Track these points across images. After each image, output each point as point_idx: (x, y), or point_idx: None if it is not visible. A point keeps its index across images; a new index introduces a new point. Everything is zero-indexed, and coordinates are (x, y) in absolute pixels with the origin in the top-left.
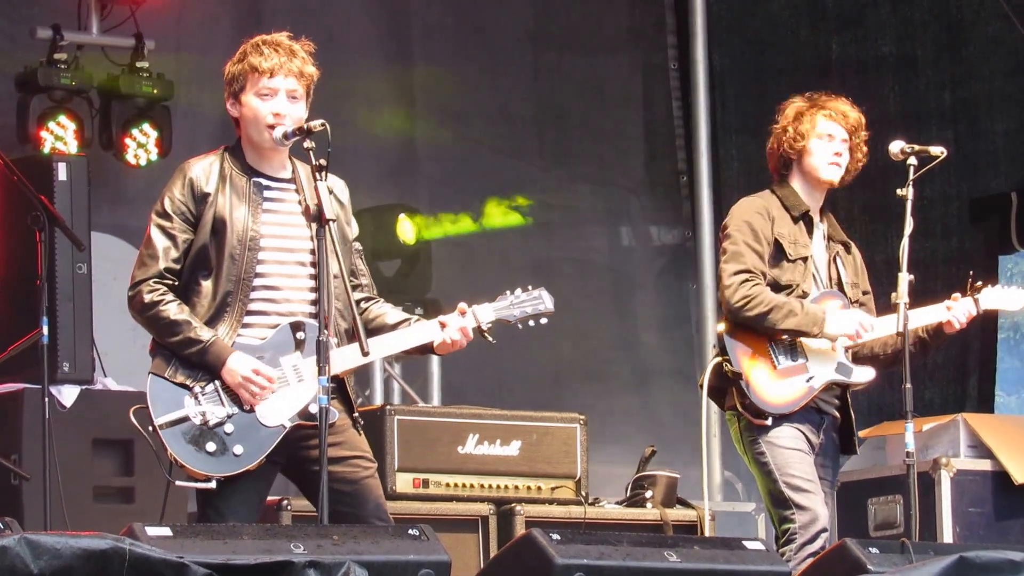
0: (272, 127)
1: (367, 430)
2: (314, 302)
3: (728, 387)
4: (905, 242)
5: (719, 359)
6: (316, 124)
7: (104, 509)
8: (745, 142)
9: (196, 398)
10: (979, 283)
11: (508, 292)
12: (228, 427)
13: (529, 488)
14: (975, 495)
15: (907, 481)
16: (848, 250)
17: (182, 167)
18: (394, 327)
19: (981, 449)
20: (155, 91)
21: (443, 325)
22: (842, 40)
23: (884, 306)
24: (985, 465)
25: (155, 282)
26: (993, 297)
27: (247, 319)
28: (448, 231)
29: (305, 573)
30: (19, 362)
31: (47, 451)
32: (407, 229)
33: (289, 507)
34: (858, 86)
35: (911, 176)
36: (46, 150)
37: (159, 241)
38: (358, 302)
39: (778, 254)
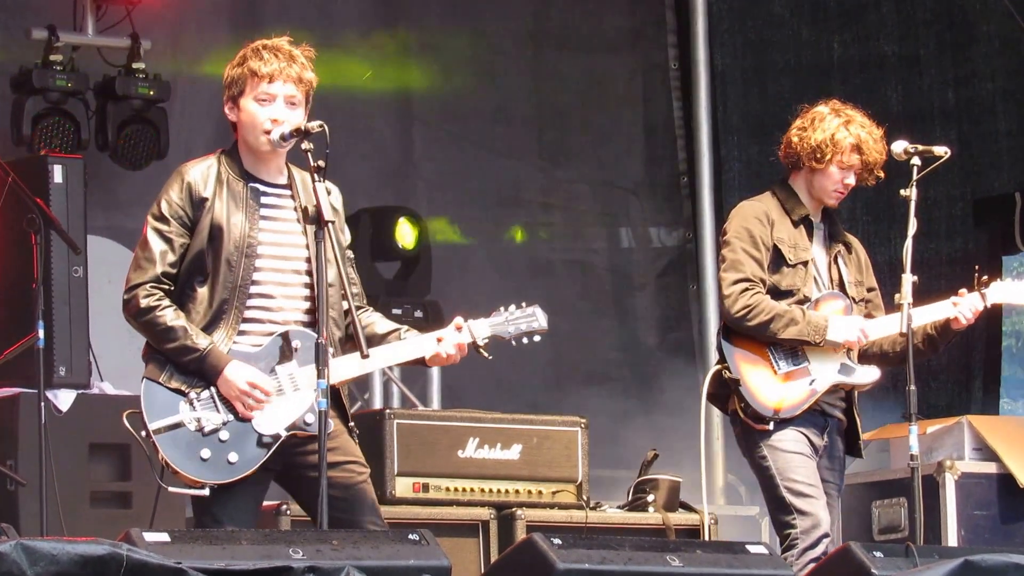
0: (269, 132)
1: (367, 434)
2: (308, 311)
3: (729, 392)
4: (909, 243)
5: (718, 367)
6: (314, 125)
7: (101, 514)
8: (746, 142)
9: (191, 404)
10: (985, 277)
11: (503, 308)
12: (223, 434)
13: (530, 492)
14: (980, 498)
15: (911, 484)
16: (850, 249)
17: (179, 170)
18: (384, 337)
19: (986, 452)
20: (151, 92)
21: (439, 340)
22: (844, 39)
23: (888, 307)
24: (990, 468)
25: (151, 286)
26: (1001, 291)
27: (242, 326)
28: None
29: None
30: (15, 366)
31: (43, 456)
32: (406, 233)
33: (288, 512)
34: (860, 85)
35: (915, 176)
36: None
37: (156, 245)
38: (345, 312)
39: (777, 259)
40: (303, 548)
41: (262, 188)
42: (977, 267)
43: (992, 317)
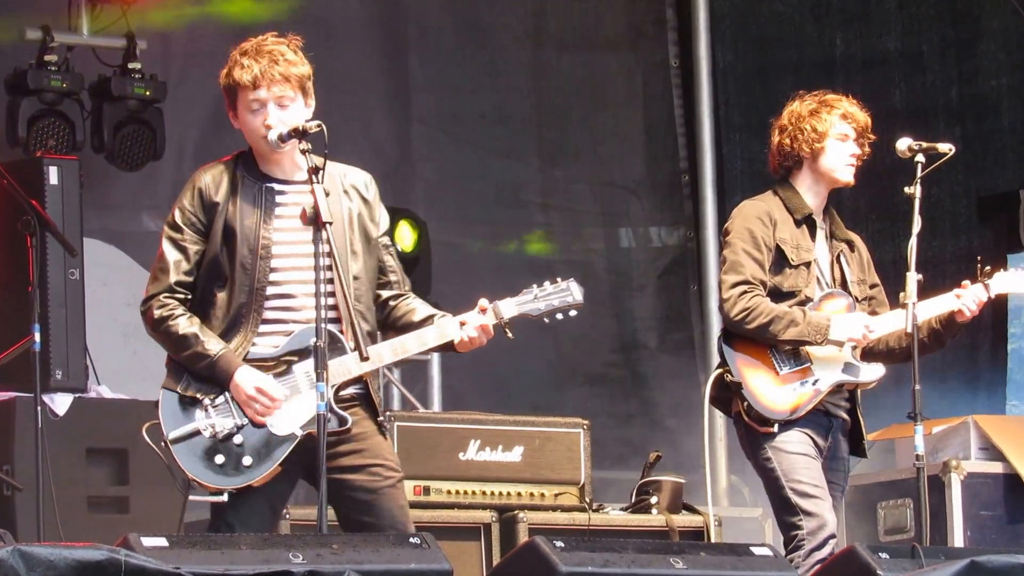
0: (267, 138)
1: None
2: (332, 307)
3: (732, 395)
4: (913, 241)
5: (720, 371)
6: (312, 125)
7: (99, 519)
8: (748, 140)
9: (206, 411)
10: (988, 268)
11: (535, 285)
12: (238, 439)
13: (532, 495)
14: (986, 498)
15: (917, 485)
16: (852, 247)
17: (192, 176)
18: (420, 324)
19: (992, 451)
20: (147, 92)
21: (463, 324)
22: (847, 36)
23: (893, 302)
24: (996, 468)
25: (165, 297)
26: (1004, 281)
27: (263, 327)
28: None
29: None
30: (10, 370)
31: (40, 461)
32: (406, 236)
33: (288, 516)
34: (864, 82)
35: (919, 174)
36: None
37: (170, 254)
38: (387, 300)
39: (780, 260)
40: (303, 552)
41: (277, 187)
42: (980, 258)
43: (998, 317)
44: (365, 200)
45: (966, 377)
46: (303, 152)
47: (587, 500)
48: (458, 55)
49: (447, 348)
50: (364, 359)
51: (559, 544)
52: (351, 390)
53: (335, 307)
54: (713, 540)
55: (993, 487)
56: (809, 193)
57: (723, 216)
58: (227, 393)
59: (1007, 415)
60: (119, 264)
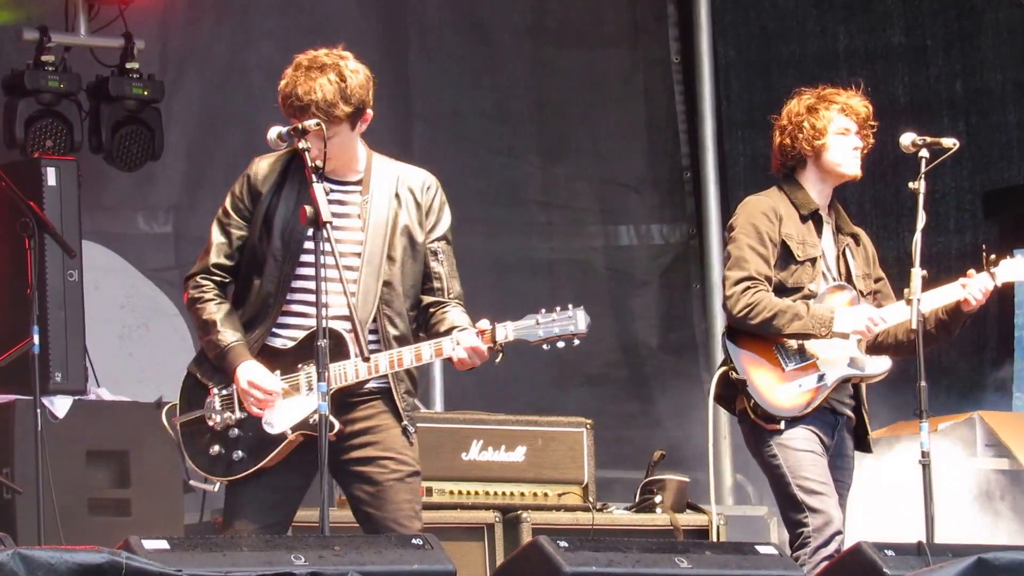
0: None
1: None
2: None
3: (737, 392)
4: (918, 237)
5: (725, 368)
6: (311, 124)
7: (100, 522)
8: (751, 136)
9: (214, 400)
10: (993, 256)
11: (542, 310)
12: (234, 432)
13: (535, 495)
14: (993, 494)
15: (923, 482)
16: (857, 241)
17: (250, 162)
18: (442, 335)
19: (998, 447)
20: (145, 92)
21: (457, 342)
22: (850, 30)
23: (898, 295)
24: (1003, 464)
25: (202, 278)
26: (1010, 269)
27: (285, 319)
28: None
29: None
30: (9, 373)
31: (40, 464)
32: None
33: None
34: (867, 77)
35: (923, 169)
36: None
37: (215, 236)
38: (427, 307)
39: (785, 255)
40: (305, 554)
41: (329, 186)
42: (985, 247)
43: (1004, 310)
44: (418, 203)
45: (973, 371)
46: (303, 151)
47: (591, 500)
48: (458, 52)
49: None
50: (365, 360)
51: (563, 544)
52: (374, 384)
53: (353, 306)
54: (718, 539)
55: (1000, 484)
56: (814, 189)
57: (726, 213)
58: (233, 385)
59: (1013, 412)
60: (113, 266)
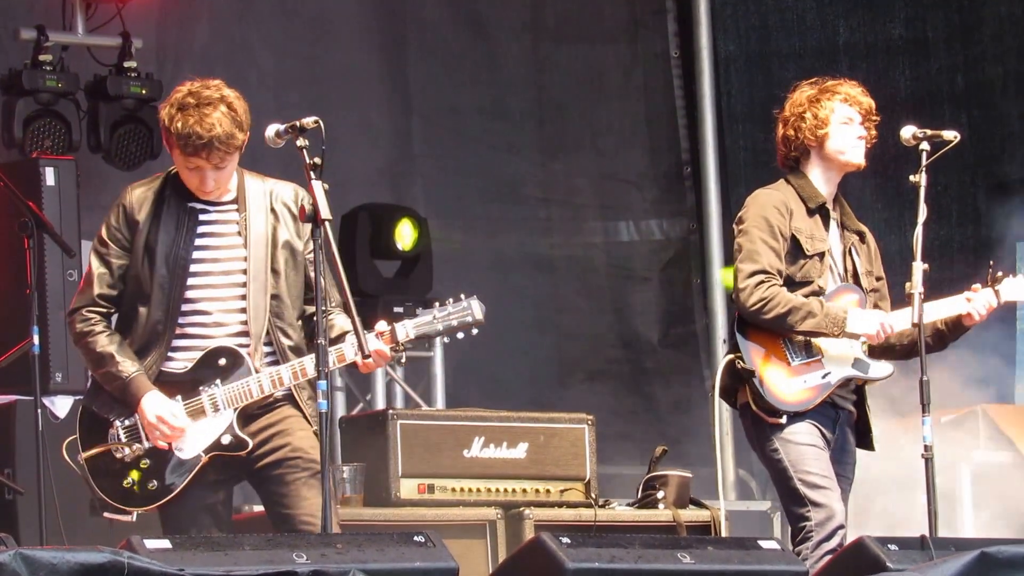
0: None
1: (370, 435)
2: (243, 322)
3: (739, 385)
4: (919, 230)
5: (731, 356)
6: (309, 122)
7: (101, 522)
8: (751, 130)
9: (117, 432)
10: (999, 273)
11: (437, 304)
12: (144, 462)
13: (537, 491)
14: (996, 487)
15: (926, 475)
16: (863, 239)
17: (122, 192)
18: (336, 342)
19: (1002, 440)
20: (143, 91)
21: (360, 347)
22: (850, 23)
23: (899, 296)
24: (1006, 457)
25: (87, 311)
26: (1014, 288)
27: (179, 342)
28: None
29: None
30: (10, 373)
31: (41, 464)
32: (406, 234)
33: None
34: (868, 70)
35: (924, 162)
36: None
37: (95, 267)
38: (311, 316)
39: (795, 250)
40: (307, 552)
41: (201, 206)
42: (992, 262)
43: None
44: (294, 216)
45: (975, 363)
46: (300, 149)
47: (593, 496)
48: (457, 49)
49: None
50: (366, 356)
51: (565, 540)
52: (277, 393)
53: (245, 322)
54: (721, 534)
55: (1003, 477)
56: (820, 181)
57: (727, 207)
58: (136, 415)
59: (1016, 404)
60: None
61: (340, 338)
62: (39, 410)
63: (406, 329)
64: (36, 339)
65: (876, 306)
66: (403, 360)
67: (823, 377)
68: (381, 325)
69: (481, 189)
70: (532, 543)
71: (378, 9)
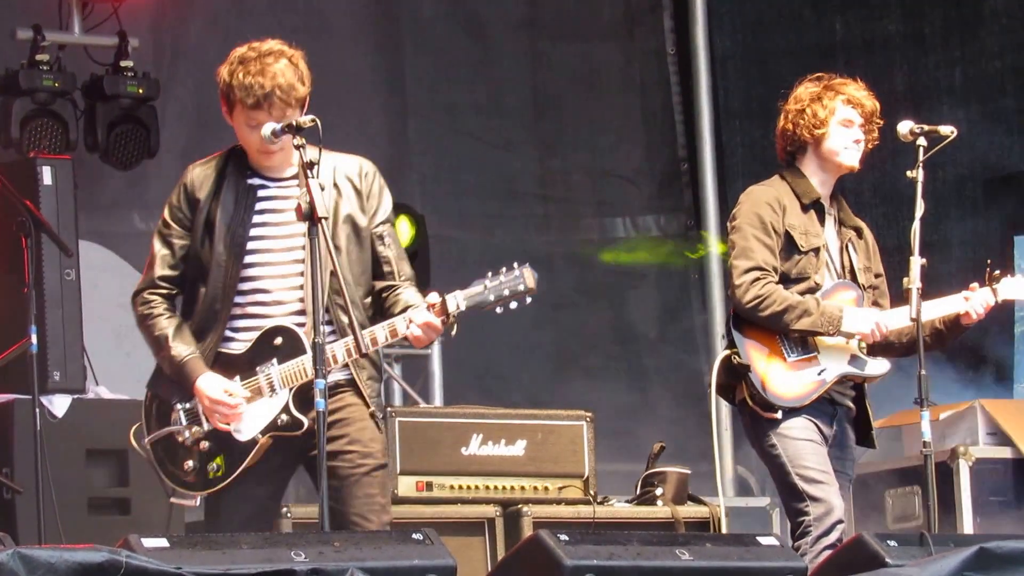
0: (263, 151)
1: None
2: (301, 300)
3: (737, 381)
4: (916, 225)
5: (727, 352)
6: (306, 120)
7: (100, 521)
8: (748, 127)
9: (179, 415)
10: (997, 272)
11: (489, 274)
12: (204, 444)
13: (536, 488)
14: (995, 484)
15: (925, 471)
16: (860, 235)
17: (185, 171)
18: (396, 316)
19: (1000, 436)
20: (140, 90)
21: (410, 321)
22: (847, 19)
23: (897, 291)
24: (1005, 452)
25: (148, 293)
26: (1012, 287)
27: (239, 323)
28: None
29: None
30: (8, 373)
31: (39, 463)
32: (403, 232)
33: (289, 515)
34: (865, 66)
35: (921, 157)
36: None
37: (157, 249)
38: (380, 291)
39: (789, 246)
40: (305, 550)
41: (262, 182)
42: (990, 261)
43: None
44: (357, 190)
45: (973, 360)
46: (297, 148)
47: (591, 493)
48: (453, 46)
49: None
50: (361, 354)
51: (564, 537)
52: (338, 376)
53: (303, 299)
54: (720, 531)
55: (1002, 472)
56: (815, 178)
57: (724, 204)
58: (195, 398)
59: (1014, 399)
60: (110, 265)
61: (403, 312)
62: (37, 409)
63: (457, 300)
64: (34, 338)
65: (875, 303)
66: (454, 332)
67: (819, 373)
68: (432, 297)
69: (478, 186)
70: (530, 540)
71: (374, 6)
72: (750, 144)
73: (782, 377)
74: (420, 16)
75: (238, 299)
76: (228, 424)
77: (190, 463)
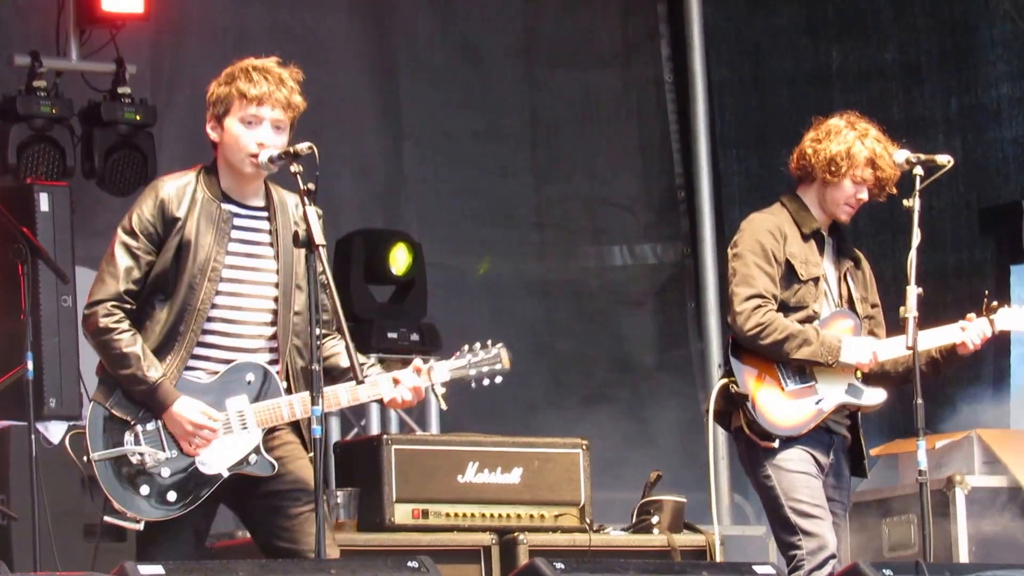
0: (254, 156)
1: (364, 460)
2: (270, 338)
3: (734, 408)
4: (913, 254)
5: (725, 380)
6: (303, 147)
7: (95, 548)
8: (745, 155)
9: (136, 437)
10: (995, 303)
11: (467, 347)
12: (164, 471)
13: (532, 516)
14: (991, 513)
15: (920, 500)
16: (858, 265)
17: (154, 185)
18: (344, 372)
19: (996, 465)
20: (138, 117)
21: (396, 382)
22: (843, 48)
23: (893, 320)
24: (1001, 481)
25: (113, 305)
26: (1009, 318)
27: (198, 350)
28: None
29: None
30: (4, 399)
31: (35, 490)
32: (400, 259)
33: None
34: (861, 95)
35: (917, 186)
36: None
37: (122, 260)
38: (325, 336)
39: (789, 275)
40: None
41: (236, 210)
42: (987, 292)
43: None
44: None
45: (969, 388)
46: (294, 174)
47: (587, 521)
48: (450, 72)
49: (377, 401)
50: (360, 382)
51: (559, 566)
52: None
53: (273, 337)
54: (716, 559)
55: (997, 502)
56: (816, 208)
57: (721, 231)
58: (158, 421)
59: (1011, 429)
60: None
61: (349, 372)
62: (33, 435)
63: (442, 371)
64: (30, 365)
65: (872, 332)
66: (444, 406)
67: (817, 403)
68: (418, 362)
69: (475, 213)
70: (527, 568)
71: (370, 33)
72: (747, 172)
73: (780, 406)
74: (417, 42)
75: (205, 326)
76: (202, 448)
77: (146, 488)
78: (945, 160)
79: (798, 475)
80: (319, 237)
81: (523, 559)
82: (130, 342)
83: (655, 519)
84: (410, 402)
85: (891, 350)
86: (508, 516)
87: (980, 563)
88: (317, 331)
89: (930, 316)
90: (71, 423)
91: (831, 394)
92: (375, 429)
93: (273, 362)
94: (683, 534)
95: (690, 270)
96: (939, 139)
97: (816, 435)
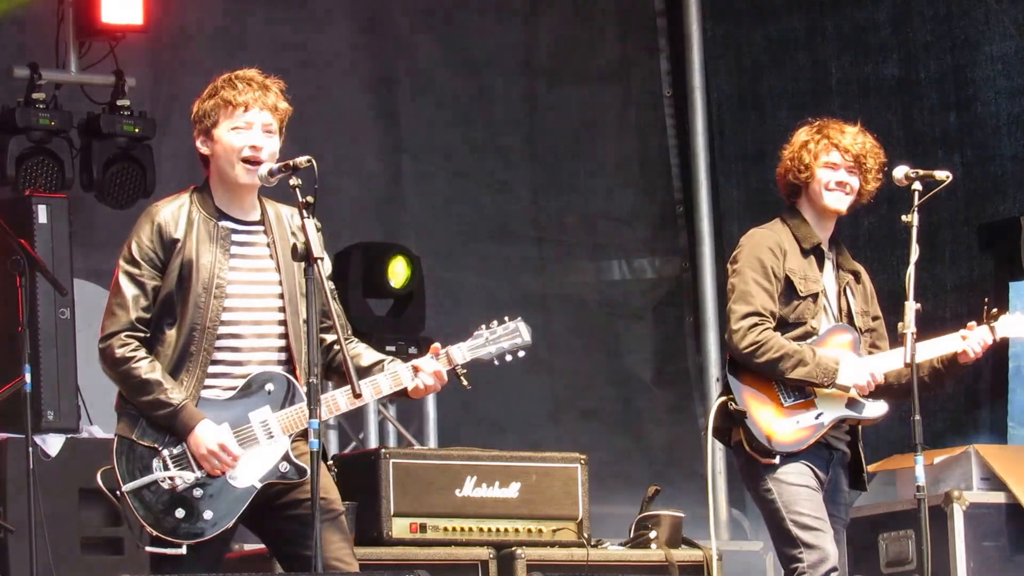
0: (248, 160)
1: (362, 474)
2: (282, 349)
3: (733, 424)
4: (911, 269)
5: (723, 398)
6: (302, 161)
7: (92, 561)
8: (744, 170)
9: (164, 462)
10: (995, 311)
11: (484, 327)
12: (198, 492)
13: (530, 531)
14: (989, 528)
15: (918, 516)
16: (858, 279)
17: (149, 211)
18: (368, 369)
19: (994, 481)
20: (137, 129)
21: (417, 370)
22: (842, 63)
23: (892, 336)
24: (999, 497)
25: (127, 335)
26: (1010, 324)
27: (212, 368)
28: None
29: None
30: (1, 411)
31: (32, 503)
32: (399, 272)
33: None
34: (860, 110)
35: (916, 202)
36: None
37: (128, 290)
38: (331, 344)
39: (788, 290)
40: None
41: (233, 226)
42: (987, 300)
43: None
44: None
45: (967, 403)
46: (293, 188)
47: (585, 535)
48: (449, 87)
49: (400, 394)
50: (357, 395)
51: None
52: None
53: (286, 349)
54: (713, 574)
55: (996, 517)
56: (813, 222)
57: (720, 246)
58: (184, 444)
59: (1008, 445)
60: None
61: (377, 366)
62: (30, 448)
63: (462, 352)
64: (28, 377)
65: (873, 345)
66: (467, 384)
67: (816, 418)
68: (436, 346)
69: (473, 227)
70: None
71: (371, 49)
72: (745, 187)
73: (779, 423)
74: (416, 56)
75: (217, 343)
76: (225, 470)
77: (181, 511)
78: (944, 176)
79: (799, 488)
80: (318, 250)
81: (521, 574)
82: (149, 369)
83: (653, 534)
84: (433, 387)
85: (891, 363)
86: (506, 530)
87: None
88: (328, 338)
89: (928, 332)
90: (68, 435)
91: (830, 408)
92: (373, 443)
93: (289, 370)
94: (681, 549)
95: (688, 285)
96: (938, 155)
97: (816, 450)
